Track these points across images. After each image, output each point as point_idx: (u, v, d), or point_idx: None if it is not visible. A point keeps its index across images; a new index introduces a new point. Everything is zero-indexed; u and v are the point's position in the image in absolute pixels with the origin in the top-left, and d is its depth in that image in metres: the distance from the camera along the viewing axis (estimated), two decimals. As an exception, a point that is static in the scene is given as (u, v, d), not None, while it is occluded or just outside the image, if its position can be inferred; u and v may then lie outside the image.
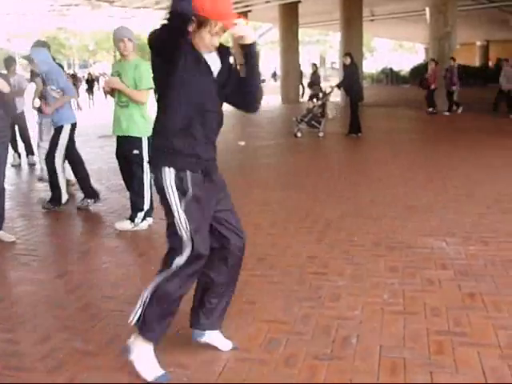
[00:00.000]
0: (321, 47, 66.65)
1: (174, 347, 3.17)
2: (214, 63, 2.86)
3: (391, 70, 45.57)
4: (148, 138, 5.40)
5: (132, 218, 5.63)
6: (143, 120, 5.46)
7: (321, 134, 13.20)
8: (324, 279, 4.23)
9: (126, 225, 5.62)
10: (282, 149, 11.87)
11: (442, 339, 3.23)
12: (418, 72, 31.78)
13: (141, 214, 5.61)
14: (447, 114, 17.86)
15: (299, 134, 13.22)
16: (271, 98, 25.55)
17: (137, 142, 5.46)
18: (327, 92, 14.03)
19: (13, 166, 9.85)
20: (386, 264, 4.52)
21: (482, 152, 10.12)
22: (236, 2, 23.49)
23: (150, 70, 2.85)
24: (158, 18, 36.67)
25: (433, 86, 18.05)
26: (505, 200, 6.49)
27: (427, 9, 20.43)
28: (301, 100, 25.95)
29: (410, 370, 2.91)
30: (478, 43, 48.33)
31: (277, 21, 26.79)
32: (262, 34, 55.96)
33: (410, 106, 21.38)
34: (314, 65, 23.55)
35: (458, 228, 5.44)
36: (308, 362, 3.01)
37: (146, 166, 5.42)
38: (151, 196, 5.60)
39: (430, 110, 18.20)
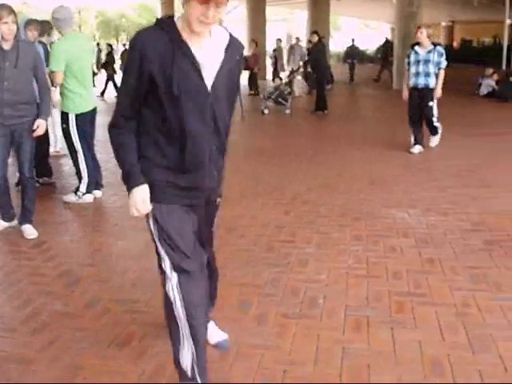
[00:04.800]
0: (287, 26, 66.46)
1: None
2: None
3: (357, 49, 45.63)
4: (76, 116, 5.62)
5: (75, 191, 5.90)
6: (67, 97, 5.64)
7: (287, 111, 13.35)
8: (292, 247, 4.42)
9: (71, 197, 5.87)
10: (250, 125, 11.99)
11: (403, 300, 3.46)
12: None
13: (83, 187, 5.84)
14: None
15: (266, 111, 13.35)
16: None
17: (64, 116, 5.70)
18: (294, 69, 14.17)
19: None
20: (351, 233, 4.74)
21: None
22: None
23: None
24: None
25: (255, 69, 17.91)
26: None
27: (393, -12, 20.61)
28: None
29: (372, 327, 3.13)
30: (443, 23, 48.77)
31: (244, -2, 26.74)
32: (229, 11, 55.66)
33: (374, 84, 21.68)
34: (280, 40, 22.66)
35: (419, 200, 5.69)
36: (278, 320, 3.21)
37: (77, 145, 5.68)
38: (89, 171, 5.82)
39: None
